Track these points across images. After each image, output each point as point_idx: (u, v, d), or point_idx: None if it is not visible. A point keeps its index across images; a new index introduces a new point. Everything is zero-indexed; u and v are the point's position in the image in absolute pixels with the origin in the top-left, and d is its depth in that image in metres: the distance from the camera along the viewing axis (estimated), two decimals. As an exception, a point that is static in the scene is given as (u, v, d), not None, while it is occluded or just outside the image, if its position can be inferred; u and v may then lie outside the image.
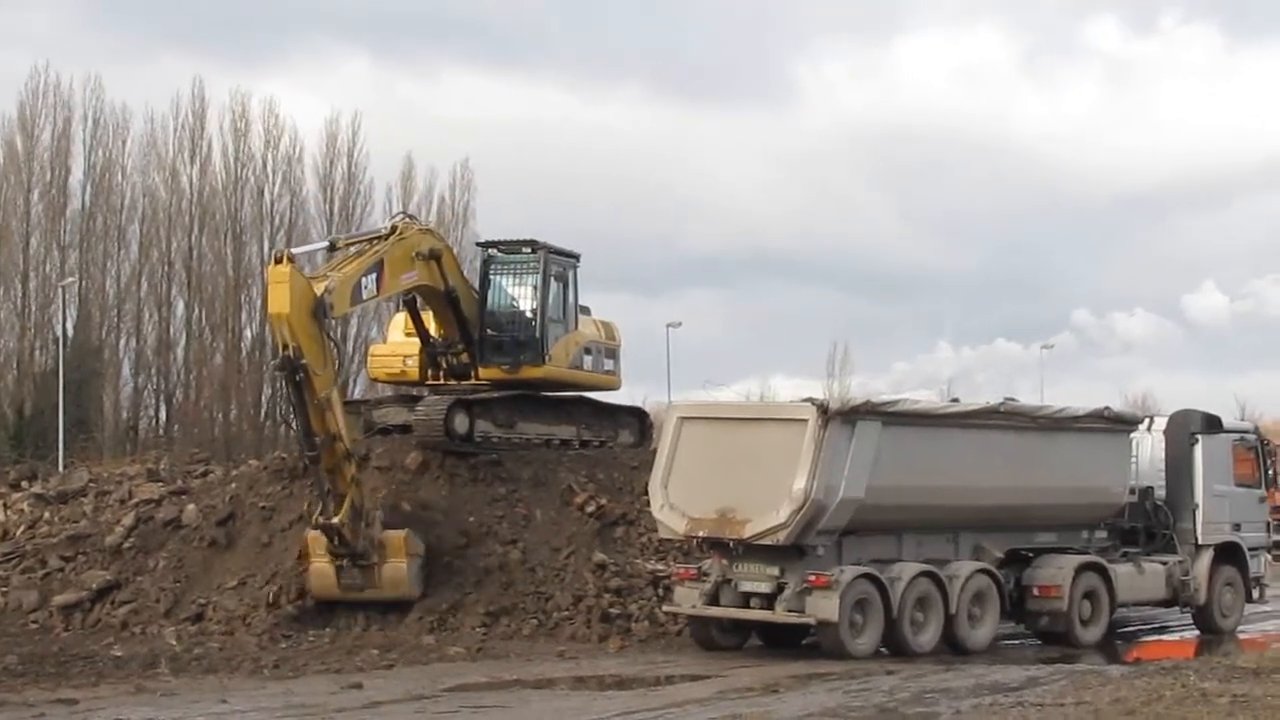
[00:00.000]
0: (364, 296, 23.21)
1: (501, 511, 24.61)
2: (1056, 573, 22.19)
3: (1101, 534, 23.49)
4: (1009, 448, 21.91)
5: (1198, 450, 24.09)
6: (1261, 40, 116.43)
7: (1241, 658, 19.77)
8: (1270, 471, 25.47)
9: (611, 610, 22.76)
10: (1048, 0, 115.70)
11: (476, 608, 22.90)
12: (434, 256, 24.15)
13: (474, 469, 25.17)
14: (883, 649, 20.47)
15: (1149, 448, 24.20)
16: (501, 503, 24.79)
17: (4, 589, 24.57)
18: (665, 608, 22.06)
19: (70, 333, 59.08)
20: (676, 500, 20.82)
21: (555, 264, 26.41)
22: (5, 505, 28.11)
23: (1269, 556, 26.16)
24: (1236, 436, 25.09)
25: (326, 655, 20.93)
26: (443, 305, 25.14)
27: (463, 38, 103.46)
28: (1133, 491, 23.67)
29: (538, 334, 25.92)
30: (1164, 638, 24.95)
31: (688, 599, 21.07)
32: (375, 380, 30.84)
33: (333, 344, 22.10)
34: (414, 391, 26.86)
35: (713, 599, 20.76)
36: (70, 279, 58.81)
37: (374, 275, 22.84)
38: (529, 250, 26.31)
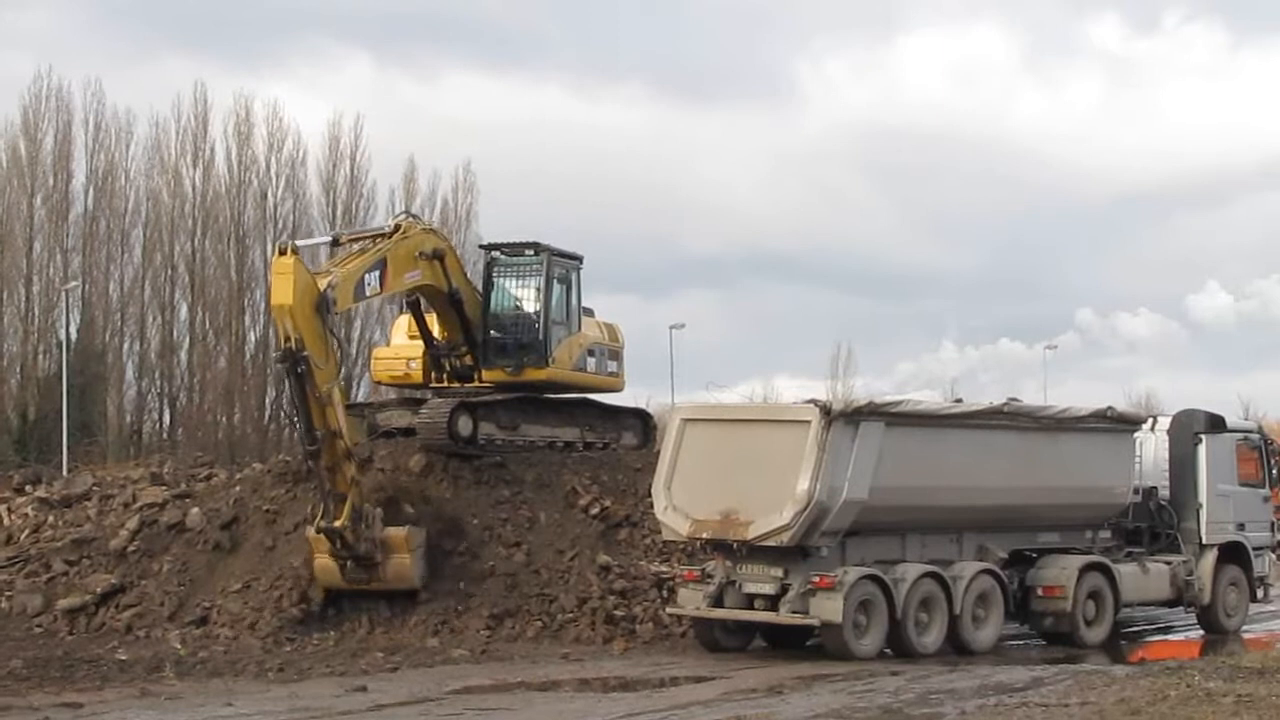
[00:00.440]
0: (367, 293, 23.20)
1: (505, 514, 24.61)
2: (1061, 573, 22.18)
3: (1105, 534, 23.47)
4: (1012, 448, 21.90)
5: (1202, 450, 24.06)
6: (1265, 39, 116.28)
7: (1246, 657, 19.78)
8: (1274, 471, 25.46)
9: (616, 612, 22.76)
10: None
11: (481, 610, 22.91)
12: (437, 256, 24.14)
13: (478, 471, 25.17)
14: (887, 650, 20.46)
15: (1153, 448, 24.18)
16: (505, 505, 24.79)
17: (9, 593, 24.57)
18: (669, 609, 22.05)
19: (74, 337, 59.24)
20: (680, 502, 20.81)
21: (558, 266, 26.38)
22: (10, 509, 28.13)
23: (1273, 556, 26.18)
24: (1240, 436, 25.07)
25: (331, 658, 20.94)
26: (446, 307, 25.13)
27: (464, 39, 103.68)
28: (1137, 491, 23.62)
29: (541, 336, 25.88)
30: (1168, 638, 24.93)
31: (692, 601, 21.07)
32: (379, 383, 30.83)
33: (335, 340, 22.10)
34: (417, 394, 26.85)
35: (717, 600, 20.75)
36: (73, 283, 58.94)
37: (377, 273, 22.83)
38: (532, 252, 26.27)
